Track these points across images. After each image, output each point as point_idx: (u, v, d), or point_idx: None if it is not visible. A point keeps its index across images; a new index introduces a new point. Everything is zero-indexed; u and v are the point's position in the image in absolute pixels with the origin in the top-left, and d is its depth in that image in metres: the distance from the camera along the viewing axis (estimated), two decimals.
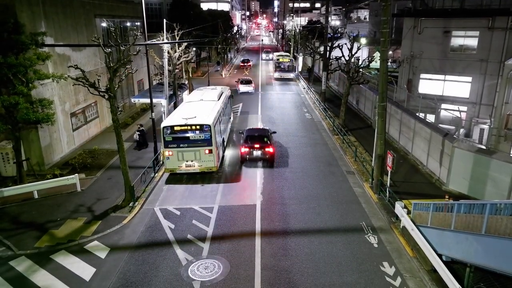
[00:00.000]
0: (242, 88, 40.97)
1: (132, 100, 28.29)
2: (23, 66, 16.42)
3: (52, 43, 20.63)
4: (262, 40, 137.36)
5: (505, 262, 8.81)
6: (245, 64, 63.57)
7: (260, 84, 47.79)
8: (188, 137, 18.64)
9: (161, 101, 24.72)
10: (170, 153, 18.55)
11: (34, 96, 18.19)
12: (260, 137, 21.20)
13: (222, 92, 25.77)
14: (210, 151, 18.66)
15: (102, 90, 15.47)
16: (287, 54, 58.72)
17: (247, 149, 20.48)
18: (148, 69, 20.91)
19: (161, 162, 20.79)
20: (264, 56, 74.76)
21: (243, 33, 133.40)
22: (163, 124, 18.78)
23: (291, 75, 51.05)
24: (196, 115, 19.43)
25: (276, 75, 51.11)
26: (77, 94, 23.56)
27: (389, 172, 16.39)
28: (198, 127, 18.59)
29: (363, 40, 49.22)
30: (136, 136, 23.81)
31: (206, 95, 24.03)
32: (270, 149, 20.56)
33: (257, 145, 20.40)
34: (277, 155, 22.35)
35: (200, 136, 18.64)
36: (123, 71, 16.91)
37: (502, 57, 22.00)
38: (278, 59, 52.01)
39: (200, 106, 21.67)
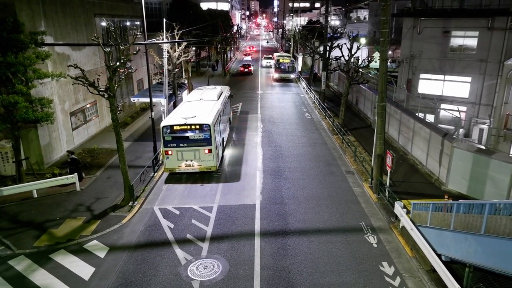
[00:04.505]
0: (245, 58, 75.24)
1: (132, 99, 28.26)
2: (22, 65, 16.39)
3: (52, 42, 20.61)
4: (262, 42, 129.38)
5: (504, 262, 8.81)
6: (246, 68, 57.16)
7: (260, 85, 47.81)
8: (188, 136, 18.63)
9: (161, 101, 24.71)
10: (170, 152, 18.54)
11: (33, 95, 18.16)
12: (247, 64, 57.11)
13: (222, 92, 25.77)
14: (210, 151, 18.65)
15: (102, 89, 15.46)
16: (288, 54, 57.81)
17: (242, 68, 56.32)
18: (147, 69, 20.90)
19: (160, 162, 20.78)
20: (264, 62, 64.95)
21: (243, 33, 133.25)
22: (162, 124, 18.77)
23: (291, 76, 50.06)
24: (196, 114, 19.42)
25: (276, 75, 50.10)
26: (77, 93, 23.54)
27: (389, 172, 16.39)
28: (197, 126, 18.58)
29: (363, 40, 49.16)
30: (68, 170, 18.77)
31: (205, 94, 24.02)
32: (251, 68, 56.90)
33: (247, 66, 56.41)
34: (277, 154, 22.70)
35: (199, 136, 18.63)
36: (122, 70, 16.89)
37: (502, 57, 22.01)
38: (278, 60, 50.71)
39: (199, 105, 21.66)
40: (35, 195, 17.18)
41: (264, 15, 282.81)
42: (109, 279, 11.82)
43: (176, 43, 28.35)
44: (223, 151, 22.48)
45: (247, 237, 14.08)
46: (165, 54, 23.44)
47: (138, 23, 35.31)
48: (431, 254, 11.62)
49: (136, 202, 16.63)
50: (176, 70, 29.55)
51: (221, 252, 13.16)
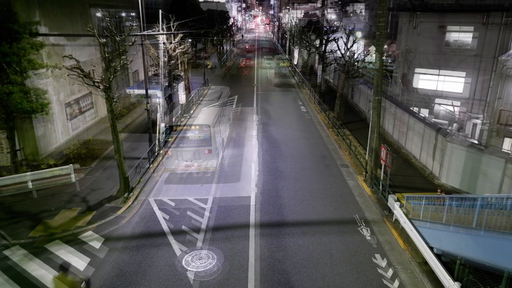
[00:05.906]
0: (248, 55, 76.46)
1: (128, 91, 28.13)
2: (16, 55, 16.26)
3: (46, 33, 20.42)
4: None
5: (494, 256, 8.97)
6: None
7: (259, 86, 47.68)
8: (188, 137, 18.60)
9: (157, 92, 24.62)
10: (170, 152, 18.48)
11: (28, 85, 18.04)
12: (250, 51, 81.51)
13: (222, 93, 25.83)
14: (210, 151, 18.60)
15: (97, 80, 15.37)
16: (286, 57, 57.31)
17: (243, 63, 61.11)
18: (143, 60, 20.79)
19: (156, 154, 20.76)
20: (264, 63, 63.09)
21: (239, 25, 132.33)
22: (163, 124, 18.65)
23: (292, 80, 48.17)
24: (196, 115, 19.37)
25: (276, 80, 48.11)
26: (72, 84, 23.38)
27: (383, 165, 16.53)
28: (197, 127, 18.54)
29: (359, 34, 49.06)
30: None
31: (206, 95, 23.97)
32: (252, 63, 60.26)
33: (248, 53, 76.23)
34: (275, 152, 22.77)
35: (199, 136, 18.58)
36: (118, 61, 16.79)
37: (496, 52, 22.12)
38: (278, 63, 50.17)
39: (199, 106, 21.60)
40: (30, 186, 17.13)
41: (260, 8, 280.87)
42: (104, 269, 11.88)
43: (172, 36, 28.18)
44: (223, 152, 22.43)
45: (242, 228, 14.18)
46: (161, 46, 23.33)
47: (134, 14, 35.01)
48: (423, 247, 11.79)
49: (131, 194, 16.66)
50: (172, 62, 29.40)
51: (217, 243, 13.22)
